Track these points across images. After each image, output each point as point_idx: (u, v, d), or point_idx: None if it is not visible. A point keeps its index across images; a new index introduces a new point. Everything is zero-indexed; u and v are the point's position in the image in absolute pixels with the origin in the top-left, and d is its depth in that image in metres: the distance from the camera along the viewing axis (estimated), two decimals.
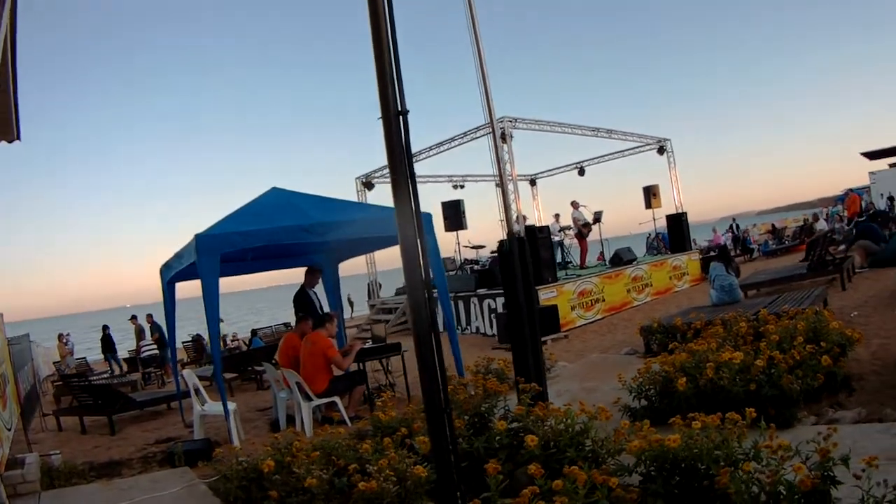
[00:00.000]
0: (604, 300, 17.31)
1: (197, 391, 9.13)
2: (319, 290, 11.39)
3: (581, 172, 27.47)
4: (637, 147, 25.06)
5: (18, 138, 7.56)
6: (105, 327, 23.29)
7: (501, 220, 20.78)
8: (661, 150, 24.36)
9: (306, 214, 8.92)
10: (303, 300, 10.76)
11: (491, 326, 16.68)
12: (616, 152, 26.23)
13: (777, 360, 6.11)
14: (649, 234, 29.08)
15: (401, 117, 3.48)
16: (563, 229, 22.70)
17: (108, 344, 22.75)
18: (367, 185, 23.43)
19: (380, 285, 24.67)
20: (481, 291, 17.55)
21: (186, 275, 9.52)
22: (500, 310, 16.00)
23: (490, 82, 6.47)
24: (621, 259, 19.60)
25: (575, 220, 21.86)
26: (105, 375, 18.76)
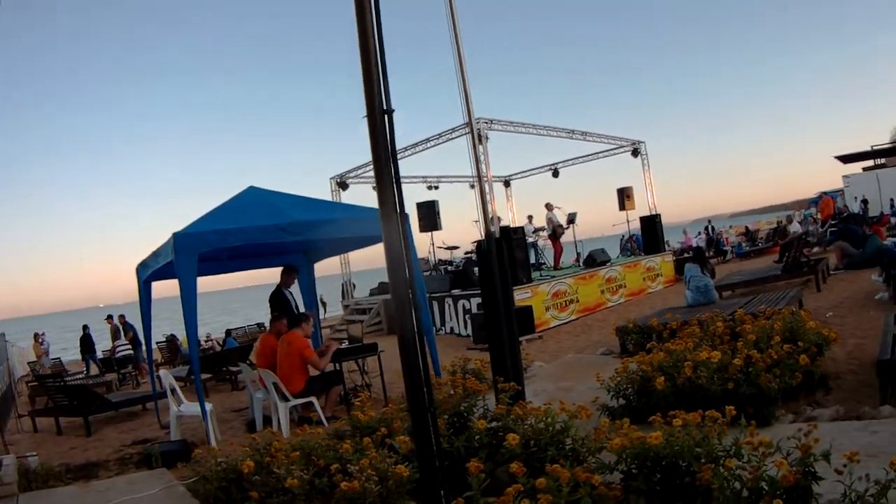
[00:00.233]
0: (578, 301, 17.38)
1: (173, 391, 9.06)
2: (295, 290, 11.33)
3: (555, 174, 27.59)
4: (611, 149, 25.16)
5: None
6: (85, 327, 22.97)
7: (475, 221, 20.81)
8: (635, 153, 24.51)
9: (284, 213, 8.86)
10: (279, 300, 10.69)
11: (465, 327, 16.71)
12: (590, 154, 26.32)
13: (755, 359, 6.17)
14: (623, 236, 29.25)
15: (386, 116, 3.47)
16: (536, 231, 22.78)
17: (87, 344, 22.45)
18: (342, 185, 23.38)
19: (354, 286, 24.63)
20: (456, 292, 17.55)
21: (163, 274, 9.41)
22: (474, 310, 16.02)
23: (469, 83, 6.48)
24: (595, 260, 19.68)
25: (549, 221, 21.95)
26: (80, 376, 18.57)
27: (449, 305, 17.60)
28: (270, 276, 11.97)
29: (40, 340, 24.59)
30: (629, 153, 24.67)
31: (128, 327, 20.44)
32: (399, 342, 3.55)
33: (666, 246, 24.06)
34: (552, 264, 22.05)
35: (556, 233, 21.90)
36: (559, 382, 8.91)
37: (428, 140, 20.89)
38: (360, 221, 9.33)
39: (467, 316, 16.51)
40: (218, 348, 19.89)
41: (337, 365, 9.71)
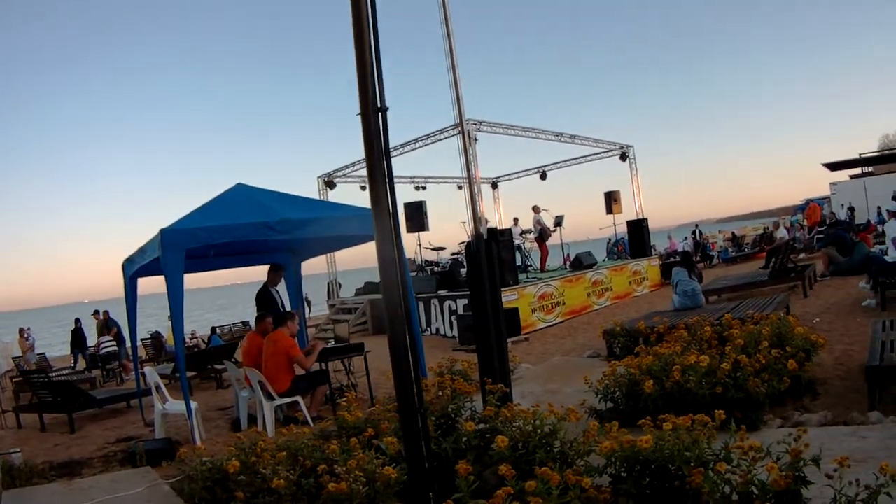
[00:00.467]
0: (564, 304, 17.39)
1: (158, 389, 9.00)
2: (282, 288, 11.28)
3: (543, 177, 27.62)
4: (599, 153, 25.16)
5: None
6: (77, 321, 22.76)
7: (463, 222, 20.84)
8: (623, 157, 24.56)
9: (272, 211, 8.80)
10: (265, 298, 10.64)
11: (451, 328, 16.70)
12: (578, 157, 26.27)
13: (743, 363, 6.17)
14: (610, 239, 29.30)
15: (380, 114, 3.44)
16: (523, 233, 22.82)
17: (78, 338, 22.23)
18: (329, 184, 23.33)
19: (339, 285, 24.59)
20: (442, 293, 17.53)
21: (149, 270, 9.35)
22: (460, 311, 16.01)
23: (461, 84, 6.45)
24: (582, 263, 19.70)
25: (536, 223, 21.98)
26: (65, 371, 18.42)
27: (435, 306, 17.58)
28: (259, 273, 11.93)
29: (25, 335, 24.31)
30: (617, 157, 24.72)
31: (112, 323, 20.30)
32: (389, 342, 3.52)
33: (652, 250, 24.13)
34: (538, 266, 22.09)
35: (542, 235, 21.95)
36: (546, 385, 8.90)
37: (417, 140, 20.85)
38: (348, 220, 9.30)
39: (453, 317, 16.50)
40: (203, 346, 19.81)
41: (323, 364, 9.67)
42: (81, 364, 21.29)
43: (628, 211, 24.15)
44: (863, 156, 39.71)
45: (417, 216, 19.91)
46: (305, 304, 16.32)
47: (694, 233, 33.96)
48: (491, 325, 6.60)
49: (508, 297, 15.28)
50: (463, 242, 21.92)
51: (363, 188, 23.55)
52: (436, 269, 22.65)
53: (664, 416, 4.40)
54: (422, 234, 21.45)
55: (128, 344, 15.81)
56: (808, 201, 34.38)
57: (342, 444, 5.28)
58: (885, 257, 12.67)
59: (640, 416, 4.91)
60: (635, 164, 24.60)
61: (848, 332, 9.42)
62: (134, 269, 9.80)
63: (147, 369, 10.31)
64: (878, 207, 31.96)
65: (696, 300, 12.22)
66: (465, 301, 15.65)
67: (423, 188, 26.80)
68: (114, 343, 19.38)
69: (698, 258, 27.92)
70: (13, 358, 22.23)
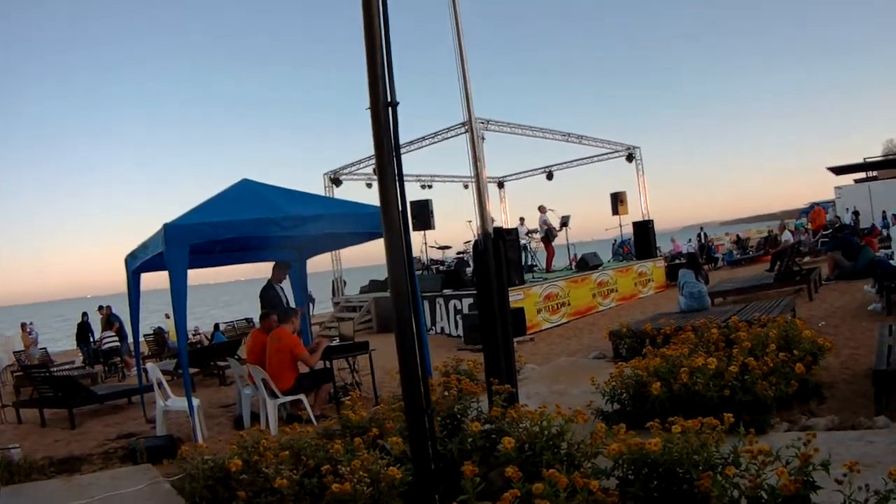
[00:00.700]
0: (569, 304, 17.33)
1: (160, 385, 8.95)
2: (286, 285, 11.24)
3: (549, 177, 27.60)
4: (606, 154, 25.12)
5: None
6: (84, 314, 22.69)
7: (469, 221, 20.79)
8: (629, 158, 24.53)
9: (277, 207, 8.74)
10: (269, 295, 10.60)
11: (456, 327, 16.61)
12: (585, 158, 26.22)
13: (751, 366, 6.12)
14: (615, 240, 29.25)
15: (390, 109, 3.39)
16: (529, 233, 22.77)
17: (84, 332, 22.16)
18: (335, 181, 23.32)
19: (344, 283, 24.55)
20: (447, 292, 17.47)
21: (153, 265, 9.31)
22: (465, 311, 15.97)
23: (471, 83, 6.42)
24: (587, 264, 19.65)
25: (542, 223, 21.92)
26: (67, 366, 18.39)
27: (440, 305, 17.51)
28: (263, 270, 11.89)
29: (28, 330, 24.23)
30: (624, 158, 24.66)
31: (114, 318, 20.26)
32: (396, 341, 3.47)
33: (658, 252, 24.07)
34: (544, 266, 22.03)
35: (549, 235, 21.90)
36: (552, 385, 8.84)
37: (423, 139, 20.81)
38: (354, 217, 9.25)
39: (458, 316, 16.42)
40: (206, 342, 19.78)
41: (327, 363, 9.63)
42: (86, 358, 21.26)
43: (634, 212, 24.11)
44: (867, 160, 39.68)
45: (423, 215, 19.85)
46: (310, 302, 16.28)
47: (699, 235, 33.86)
48: (498, 324, 6.55)
49: (514, 297, 15.22)
50: (469, 241, 21.88)
51: (369, 186, 23.54)
52: (441, 268, 22.62)
53: (673, 419, 4.35)
54: (427, 232, 21.39)
55: (130, 339, 15.79)
56: (813, 205, 34.32)
57: (346, 443, 5.24)
58: (892, 261, 12.61)
59: (647, 418, 4.87)
60: (642, 165, 24.58)
61: (854, 336, 9.38)
62: (137, 263, 9.74)
63: (149, 365, 10.28)
64: (883, 212, 31.90)
65: (702, 302, 12.18)
66: (471, 300, 15.60)
67: (429, 187, 26.74)
68: (116, 338, 19.34)
69: (703, 260, 27.87)
70: (14, 352, 22.20)
